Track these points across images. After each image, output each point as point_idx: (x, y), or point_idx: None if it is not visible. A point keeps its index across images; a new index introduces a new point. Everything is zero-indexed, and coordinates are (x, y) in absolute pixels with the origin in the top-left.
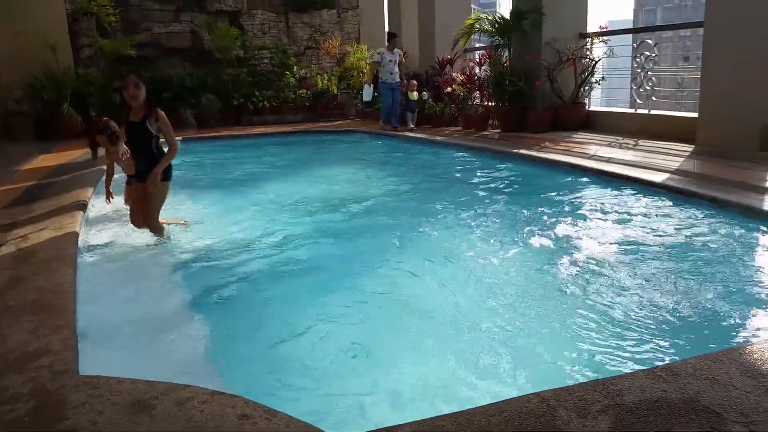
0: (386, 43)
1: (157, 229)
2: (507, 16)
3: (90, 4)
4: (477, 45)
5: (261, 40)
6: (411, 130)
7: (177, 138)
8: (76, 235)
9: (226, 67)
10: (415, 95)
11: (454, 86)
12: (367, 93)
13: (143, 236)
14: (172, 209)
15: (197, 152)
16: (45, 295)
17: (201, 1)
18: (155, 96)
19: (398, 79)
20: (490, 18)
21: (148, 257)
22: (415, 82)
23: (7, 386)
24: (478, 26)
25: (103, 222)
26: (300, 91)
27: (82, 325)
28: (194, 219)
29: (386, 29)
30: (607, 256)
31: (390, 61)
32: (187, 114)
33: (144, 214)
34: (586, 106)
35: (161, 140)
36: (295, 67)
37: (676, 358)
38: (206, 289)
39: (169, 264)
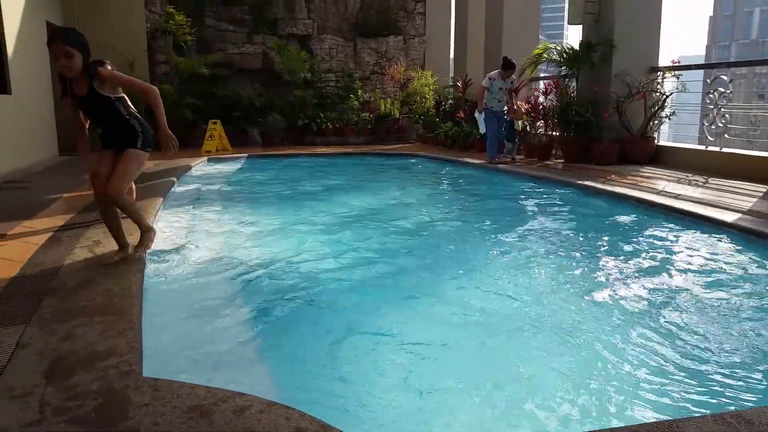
0: (501, 70)
1: (123, 202)
2: (576, 46)
3: (168, 23)
4: (542, 75)
5: (328, 63)
6: (510, 162)
7: (242, 154)
8: None
9: (294, 89)
10: (520, 125)
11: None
12: (480, 122)
13: (206, 248)
14: (234, 220)
15: (261, 169)
16: (113, 298)
17: (273, 24)
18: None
19: (505, 109)
20: (558, 48)
21: (204, 265)
22: (521, 111)
23: (78, 383)
24: (546, 56)
25: (170, 230)
26: (363, 114)
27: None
28: (253, 231)
29: (452, 56)
30: (673, 295)
31: (500, 89)
32: (254, 132)
33: (111, 177)
34: (655, 141)
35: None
36: (359, 91)
37: (745, 406)
38: (264, 302)
39: (229, 273)
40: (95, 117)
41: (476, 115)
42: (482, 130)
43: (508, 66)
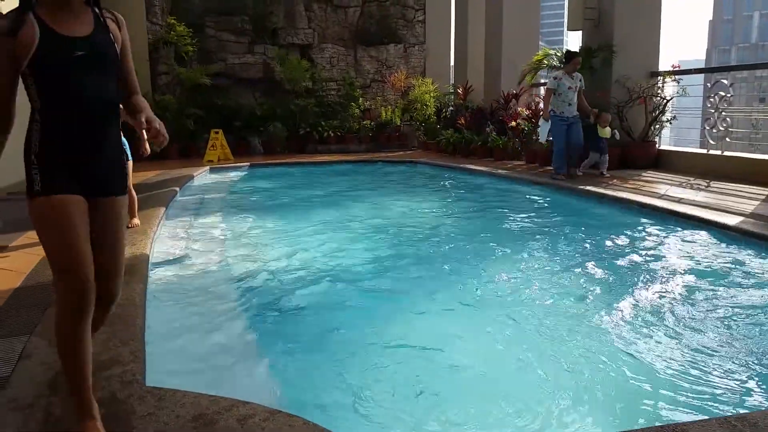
0: (565, 65)
1: (119, 286)
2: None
3: (169, 34)
4: (542, 81)
5: (329, 72)
6: (602, 178)
7: (244, 164)
8: (147, 251)
9: (295, 98)
10: (607, 132)
11: (518, 120)
12: (543, 131)
13: (209, 257)
14: (237, 229)
15: (264, 177)
16: (116, 308)
17: (274, 34)
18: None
19: (576, 112)
20: (558, 54)
21: (207, 275)
22: (608, 116)
23: None
24: (546, 62)
25: (173, 239)
26: (364, 122)
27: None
28: (255, 240)
29: (452, 63)
30: (676, 300)
31: (569, 88)
32: (255, 141)
33: (108, 257)
34: (657, 145)
35: None
36: (360, 99)
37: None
38: (267, 310)
39: (231, 282)
40: (84, 83)
41: (541, 123)
42: (543, 139)
43: (570, 57)
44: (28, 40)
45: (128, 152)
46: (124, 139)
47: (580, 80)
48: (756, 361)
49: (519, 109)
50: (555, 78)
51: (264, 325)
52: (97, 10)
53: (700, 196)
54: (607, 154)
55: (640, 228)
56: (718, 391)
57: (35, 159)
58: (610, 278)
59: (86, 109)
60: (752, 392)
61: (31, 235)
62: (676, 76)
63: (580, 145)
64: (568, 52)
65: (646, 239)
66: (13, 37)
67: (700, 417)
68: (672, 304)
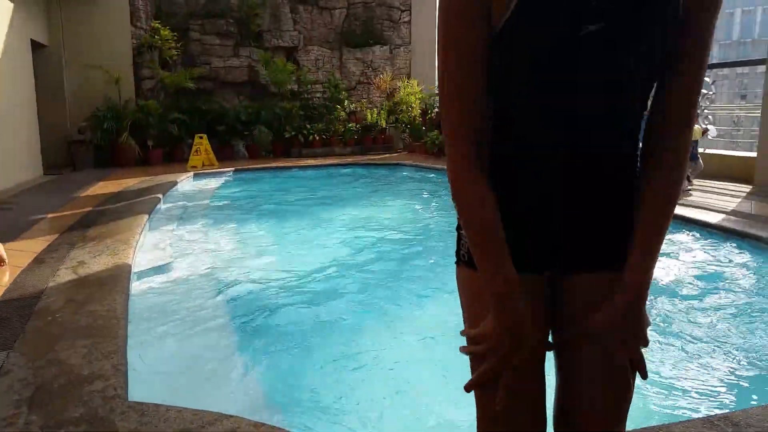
0: None
1: None
2: None
3: (153, 38)
4: None
5: (315, 74)
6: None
7: (228, 169)
8: (129, 262)
9: (280, 101)
10: (697, 132)
11: None
12: None
13: (192, 266)
14: (221, 237)
15: (248, 183)
16: (98, 320)
17: (259, 36)
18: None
19: None
20: None
21: (190, 284)
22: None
23: (62, 409)
24: None
25: (156, 248)
26: (350, 125)
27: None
28: (239, 248)
29: (437, 65)
30: (656, 299)
31: None
32: (240, 146)
33: (598, 388)
34: (639, 144)
35: None
36: (345, 101)
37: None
38: (250, 321)
39: (215, 292)
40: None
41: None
42: None
43: None
44: None
45: None
46: None
47: None
48: (738, 359)
49: None
50: None
51: (249, 336)
52: None
53: (682, 194)
54: (698, 159)
55: None
56: (701, 390)
57: None
58: None
59: (583, 133)
60: (734, 390)
61: (11, 246)
62: None
63: None
64: None
65: None
66: None
67: (684, 417)
68: (652, 303)
